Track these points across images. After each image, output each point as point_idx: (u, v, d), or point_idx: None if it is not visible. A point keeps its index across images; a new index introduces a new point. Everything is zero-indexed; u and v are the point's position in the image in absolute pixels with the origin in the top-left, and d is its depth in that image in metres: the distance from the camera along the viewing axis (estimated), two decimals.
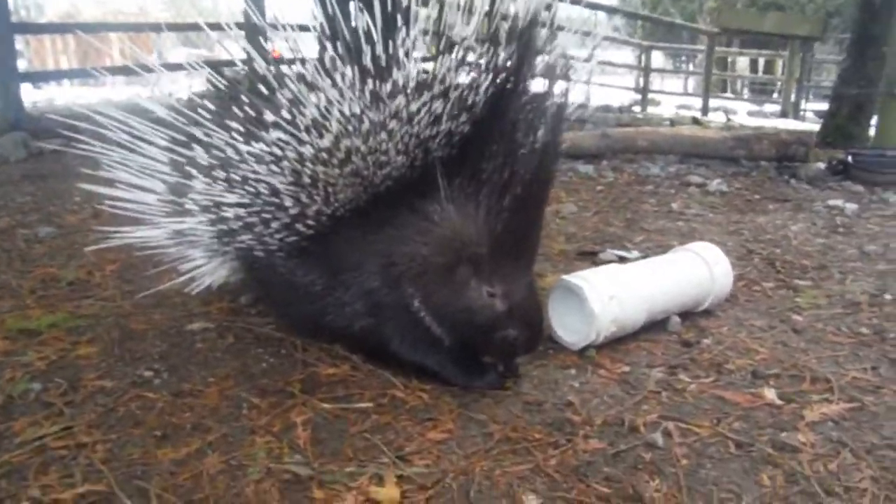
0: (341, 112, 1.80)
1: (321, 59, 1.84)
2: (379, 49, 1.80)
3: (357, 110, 1.80)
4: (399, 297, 1.86)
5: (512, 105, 1.82)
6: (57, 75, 9.34)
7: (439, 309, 1.83)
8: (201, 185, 1.97)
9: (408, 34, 1.83)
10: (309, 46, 1.95)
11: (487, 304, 1.80)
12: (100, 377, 1.90)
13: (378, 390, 1.86)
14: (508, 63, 1.86)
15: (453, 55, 1.86)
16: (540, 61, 1.91)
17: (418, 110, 1.83)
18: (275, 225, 1.92)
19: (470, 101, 1.89)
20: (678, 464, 1.57)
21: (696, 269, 2.39)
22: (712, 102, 14.09)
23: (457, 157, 1.89)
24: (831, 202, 4.43)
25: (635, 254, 3.13)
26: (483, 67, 1.89)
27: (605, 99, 13.41)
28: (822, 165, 5.53)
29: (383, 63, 1.81)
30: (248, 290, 2.44)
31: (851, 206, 4.29)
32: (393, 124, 1.82)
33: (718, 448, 1.64)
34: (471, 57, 1.90)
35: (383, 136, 1.82)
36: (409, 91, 1.82)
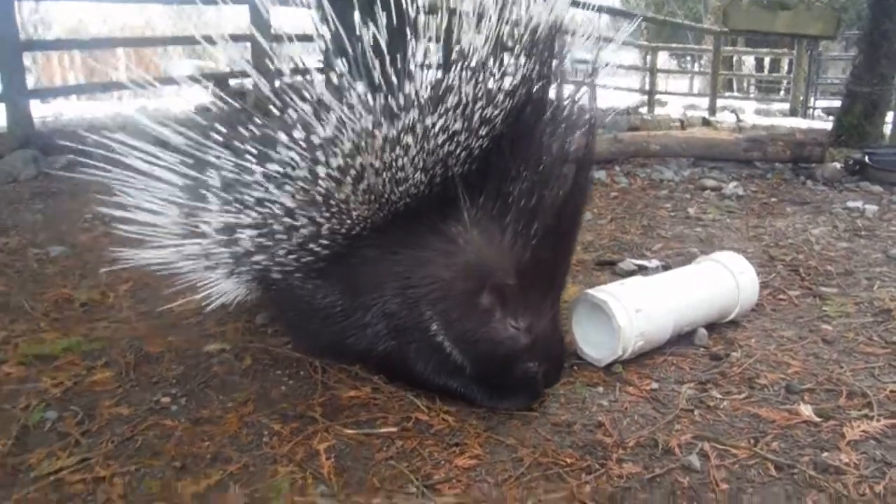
0: (353, 129, 1.75)
1: (328, 77, 1.78)
2: (388, 62, 1.75)
3: (368, 126, 1.74)
4: (418, 320, 1.80)
5: (535, 119, 1.75)
6: (64, 91, 9.29)
7: (459, 336, 1.78)
8: (214, 206, 1.92)
9: (416, 45, 1.77)
10: (313, 58, 1.88)
11: (511, 337, 1.74)
12: (116, 404, 1.85)
13: (402, 414, 1.81)
14: (528, 72, 1.81)
15: (465, 65, 1.80)
16: (558, 69, 1.85)
17: (433, 124, 1.77)
18: (289, 245, 1.87)
19: (488, 115, 1.83)
20: (717, 489, 1.51)
21: (721, 280, 2.33)
22: (719, 102, 13.99)
23: (479, 175, 1.84)
24: (850, 204, 4.36)
25: (655, 262, 3.07)
26: (499, 77, 1.83)
27: (612, 101, 13.31)
28: (838, 165, 5.45)
29: (393, 76, 1.75)
30: (263, 309, 2.40)
31: (871, 208, 4.22)
32: (408, 139, 1.76)
33: (758, 471, 1.58)
34: (487, 65, 1.83)
35: (398, 151, 1.77)
36: (421, 103, 1.77)
